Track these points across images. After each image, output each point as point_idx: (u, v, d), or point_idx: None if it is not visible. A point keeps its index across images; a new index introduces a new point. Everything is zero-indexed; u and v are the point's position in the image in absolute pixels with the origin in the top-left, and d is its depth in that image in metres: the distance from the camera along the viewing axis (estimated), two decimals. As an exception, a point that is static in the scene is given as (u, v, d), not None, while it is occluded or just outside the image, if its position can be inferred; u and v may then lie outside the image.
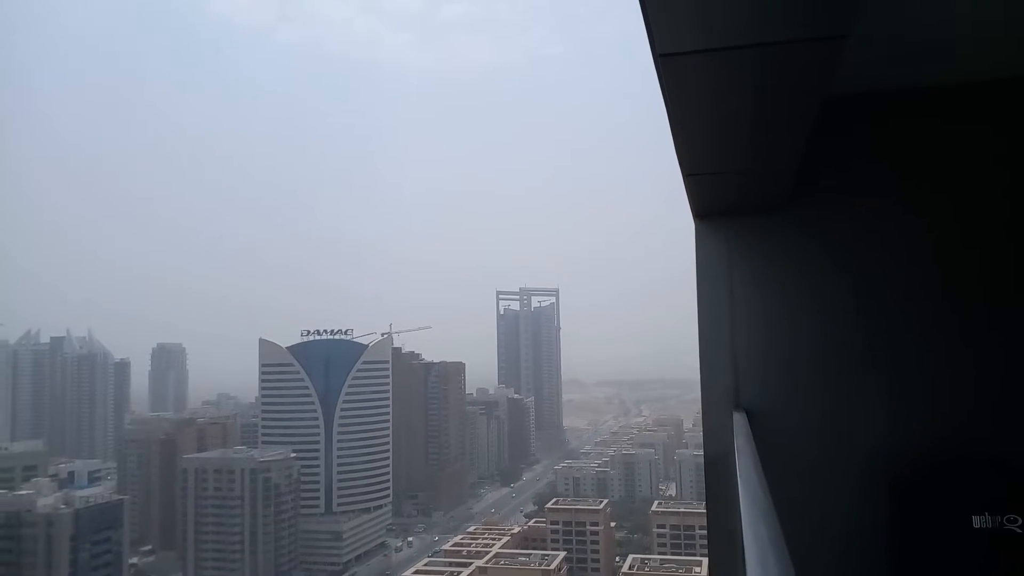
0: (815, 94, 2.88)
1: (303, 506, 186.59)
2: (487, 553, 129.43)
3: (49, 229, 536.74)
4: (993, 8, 3.41)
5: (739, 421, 4.08)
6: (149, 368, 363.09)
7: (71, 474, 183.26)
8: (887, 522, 4.00)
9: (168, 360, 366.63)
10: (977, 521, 3.63)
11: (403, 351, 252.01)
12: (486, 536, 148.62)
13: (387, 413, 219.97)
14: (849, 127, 4.26)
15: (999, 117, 4.11)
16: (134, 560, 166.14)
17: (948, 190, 4.23)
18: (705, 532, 4.75)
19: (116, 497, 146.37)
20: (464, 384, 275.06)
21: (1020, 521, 3.62)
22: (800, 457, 4.27)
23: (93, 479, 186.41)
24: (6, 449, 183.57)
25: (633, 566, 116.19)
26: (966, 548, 3.65)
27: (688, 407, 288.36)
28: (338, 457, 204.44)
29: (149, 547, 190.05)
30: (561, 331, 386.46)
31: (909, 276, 4.26)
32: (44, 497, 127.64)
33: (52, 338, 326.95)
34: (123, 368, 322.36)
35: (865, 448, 4.17)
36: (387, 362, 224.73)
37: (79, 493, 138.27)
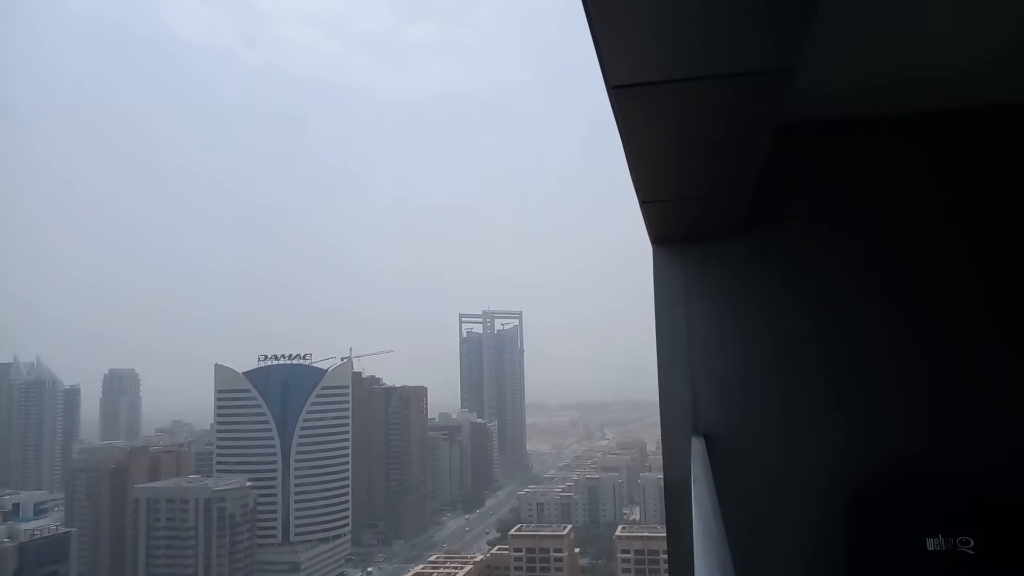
0: (767, 123, 2.94)
1: (259, 536, 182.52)
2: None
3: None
4: (937, 43, 3.56)
5: (697, 446, 4.20)
6: (100, 395, 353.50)
7: (16, 506, 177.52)
8: (845, 545, 4.09)
9: (120, 386, 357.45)
10: (931, 543, 3.70)
11: (363, 375, 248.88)
12: (448, 565, 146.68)
13: (346, 439, 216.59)
14: (801, 155, 4.42)
15: (945, 145, 4.31)
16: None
17: (898, 216, 4.41)
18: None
19: (63, 529, 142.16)
20: (426, 408, 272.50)
21: (972, 543, 3.67)
22: (759, 481, 4.38)
23: (39, 511, 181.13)
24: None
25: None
26: (921, 570, 3.73)
27: (651, 430, 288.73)
28: (296, 485, 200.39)
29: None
30: (524, 354, 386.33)
31: (864, 300, 4.41)
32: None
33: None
34: (73, 395, 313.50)
35: (822, 471, 4.29)
36: (347, 387, 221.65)
37: (24, 526, 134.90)
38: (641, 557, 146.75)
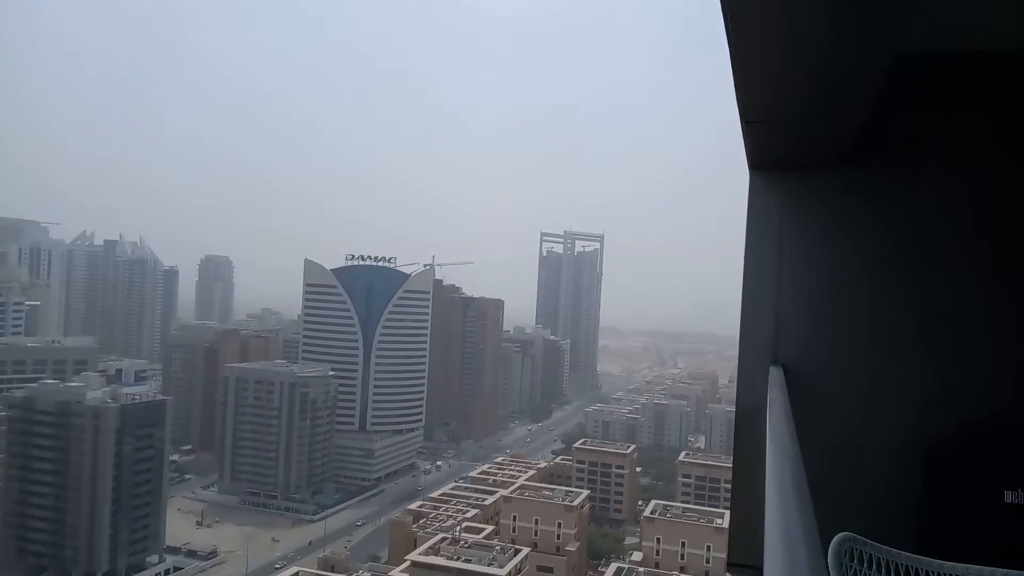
0: (888, 49, 2.78)
1: (339, 422, 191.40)
2: (512, 484, 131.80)
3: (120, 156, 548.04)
4: None
5: (775, 375, 4.07)
6: (196, 279, 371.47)
7: (119, 371, 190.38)
8: (920, 490, 4.00)
9: (215, 271, 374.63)
10: (1009, 496, 3.60)
11: (444, 283, 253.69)
12: (513, 468, 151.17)
13: (425, 341, 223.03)
14: (919, 86, 4.12)
15: None
16: (175, 457, 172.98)
17: (1011, 160, 4.08)
18: (730, 486, 4.80)
19: (160, 397, 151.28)
20: (502, 321, 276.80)
21: None
22: (836, 418, 4.27)
23: (139, 378, 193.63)
24: (59, 343, 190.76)
25: (655, 511, 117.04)
26: (996, 521, 3.63)
27: (726, 363, 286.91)
28: (375, 379, 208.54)
29: (189, 447, 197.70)
30: (603, 277, 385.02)
31: (966, 245, 4.17)
32: (93, 391, 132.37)
33: (106, 241, 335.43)
34: (171, 276, 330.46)
35: (903, 414, 4.17)
36: (428, 293, 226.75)
37: (126, 390, 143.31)
38: (702, 483, 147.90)
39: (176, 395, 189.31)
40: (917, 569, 2.34)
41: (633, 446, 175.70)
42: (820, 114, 3.68)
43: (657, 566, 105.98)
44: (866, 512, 4.08)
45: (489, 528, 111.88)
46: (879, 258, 4.31)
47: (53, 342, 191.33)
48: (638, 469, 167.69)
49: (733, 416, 4.76)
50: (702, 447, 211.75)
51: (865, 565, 2.25)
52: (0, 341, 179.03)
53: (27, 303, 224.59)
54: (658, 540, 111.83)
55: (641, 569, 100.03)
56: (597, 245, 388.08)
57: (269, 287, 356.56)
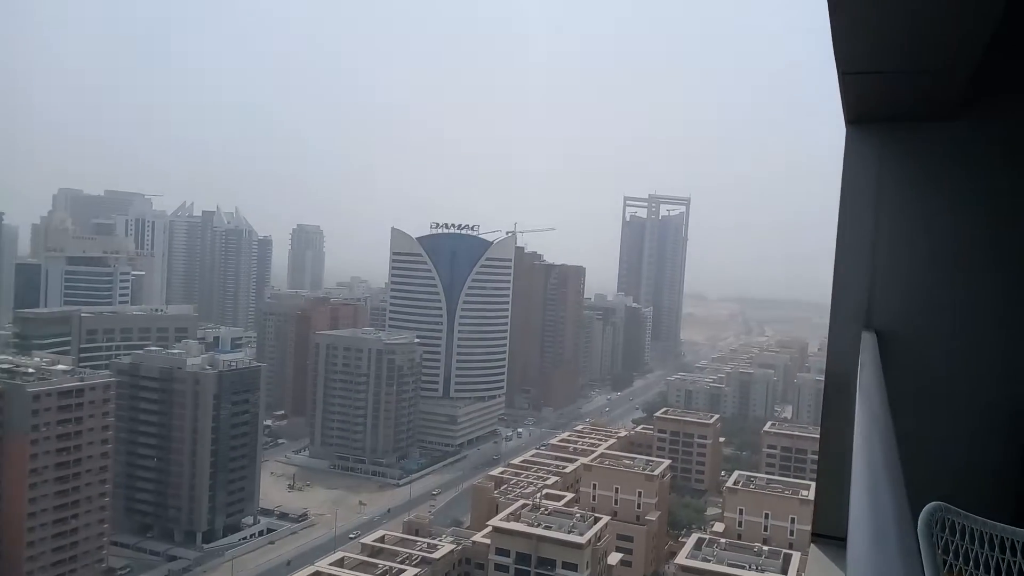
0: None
1: (423, 389, 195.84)
2: (593, 452, 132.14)
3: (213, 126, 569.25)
4: None
5: (867, 340, 3.96)
6: (289, 247, 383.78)
7: (216, 339, 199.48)
8: (1016, 458, 3.92)
9: (307, 241, 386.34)
10: None
11: (526, 251, 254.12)
12: (593, 436, 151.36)
13: (506, 309, 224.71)
14: None
15: None
16: (268, 423, 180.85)
17: None
18: (816, 458, 4.67)
19: (255, 363, 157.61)
20: (583, 288, 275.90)
21: None
22: (931, 385, 4.16)
23: (235, 345, 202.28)
24: (162, 311, 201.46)
25: (738, 482, 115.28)
26: None
27: (815, 331, 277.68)
28: (458, 346, 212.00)
29: (282, 412, 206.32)
30: (688, 242, 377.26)
31: None
32: (193, 357, 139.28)
33: (204, 212, 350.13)
34: (265, 245, 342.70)
35: (1001, 383, 4.05)
36: (510, 260, 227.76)
37: (223, 357, 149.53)
38: (788, 454, 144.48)
39: (270, 361, 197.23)
40: (1012, 539, 2.27)
41: (716, 416, 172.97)
42: (922, 64, 3.43)
43: (739, 537, 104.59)
44: (961, 481, 3.97)
45: (569, 496, 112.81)
46: (982, 217, 4.07)
47: (156, 310, 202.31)
48: (721, 439, 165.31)
49: (822, 385, 4.64)
50: (789, 417, 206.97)
51: (957, 535, 2.18)
52: (109, 310, 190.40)
53: (133, 273, 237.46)
54: (740, 511, 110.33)
55: (723, 540, 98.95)
56: (683, 209, 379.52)
57: (358, 255, 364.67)
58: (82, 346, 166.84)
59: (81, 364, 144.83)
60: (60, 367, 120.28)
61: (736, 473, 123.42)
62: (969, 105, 3.85)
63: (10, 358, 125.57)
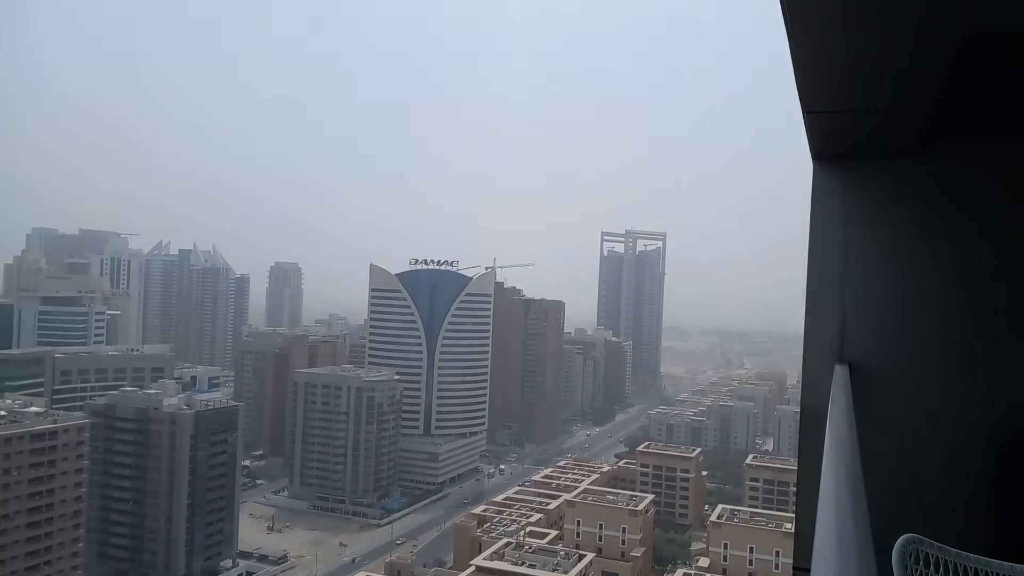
0: (956, 32, 2.63)
1: (404, 426, 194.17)
2: (576, 487, 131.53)
3: (183, 157, 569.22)
4: None
5: (839, 373, 3.95)
6: (267, 285, 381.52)
7: (193, 378, 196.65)
8: (989, 491, 3.90)
9: (284, 278, 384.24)
10: None
11: (505, 286, 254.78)
12: (576, 471, 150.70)
13: (487, 345, 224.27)
14: (990, 69, 3.92)
15: None
16: (246, 463, 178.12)
17: None
18: None
19: (232, 403, 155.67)
20: (563, 322, 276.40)
21: None
22: (904, 417, 4.14)
23: (213, 384, 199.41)
24: (138, 351, 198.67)
25: (722, 515, 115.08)
26: None
27: (794, 363, 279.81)
28: (439, 382, 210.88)
29: (260, 452, 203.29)
30: (665, 277, 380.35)
31: None
32: (169, 397, 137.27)
33: (180, 250, 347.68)
34: (243, 283, 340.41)
35: (975, 414, 4.04)
36: (489, 295, 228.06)
37: (200, 396, 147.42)
38: (770, 487, 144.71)
39: (247, 400, 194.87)
40: (987, 572, 2.26)
41: (698, 449, 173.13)
42: (886, 102, 3.47)
43: (724, 572, 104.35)
44: (934, 514, 3.99)
45: (553, 533, 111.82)
46: (950, 250, 4.13)
47: (132, 350, 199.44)
48: (704, 473, 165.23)
49: None
50: (770, 449, 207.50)
51: (932, 568, 2.18)
52: (84, 350, 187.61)
53: (108, 312, 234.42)
54: (725, 545, 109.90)
55: (708, 575, 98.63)
56: (659, 244, 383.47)
57: (336, 292, 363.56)
58: (56, 387, 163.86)
59: (55, 406, 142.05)
60: (33, 409, 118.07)
61: (720, 507, 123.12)
62: (931, 142, 3.94)
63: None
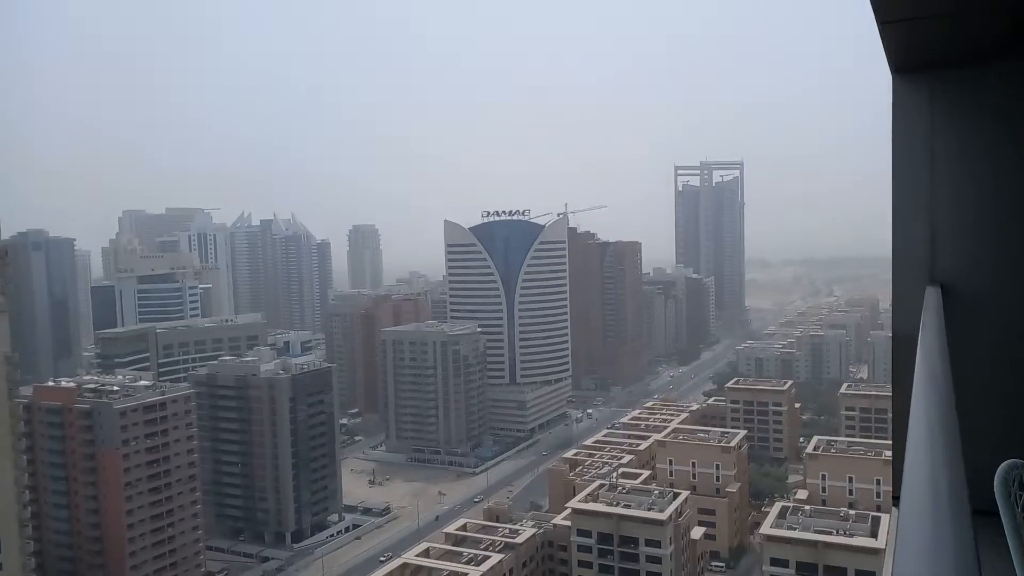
0: None
1: (490, 377, 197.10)
2: (665, 427, 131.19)
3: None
4: None
5: (931, 295, 3.84)
6: (347, 248, 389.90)
7: (286, 343, 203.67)
8: None
9: (363, 240, 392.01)
10: None
11: (579, 231, 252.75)
12: (664, 412, 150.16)
13: (564, 291, 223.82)
14: None
15: None
16: (344, 421, 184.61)
17: None
18: None
19: (325, 365, 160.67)
20: (640, 263, 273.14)
21: None
22: (996, 338, 4.02)
23: (305, 348, 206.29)
24: (232, 321, 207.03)
25: (818, 447, 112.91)
26: None
27: (885, 287, 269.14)
28: (520, 332, 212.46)
29: (356, 410, 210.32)
30: (745, 207, 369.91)
31: None
32: (266, 363, 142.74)
33: (262, 221, 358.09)
34: (324, 248, 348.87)
35: None
36: (563, 242, 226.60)
37: (294, 360, 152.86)
38: (867, 415, 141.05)
39: (339, 361, 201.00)
40: None
41: (790, 381, 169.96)
42: (966, 3, 3.34)
43: (824, 503, 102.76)
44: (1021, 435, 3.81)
45: (646, 473, 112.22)
46: None
47: (226, 320, 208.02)
48: (797, 405, 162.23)
49: None
50: (865, 377, 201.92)
51: None
52: (181, 324, 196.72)
53: (200, 286, 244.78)
54: (823, 477, 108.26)
55: (807, 507, 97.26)
56: (736, 173, 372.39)
57: (414, 250, 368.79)
58: (160, 361, 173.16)
59: (161, 378, 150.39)
60: (142, 383, 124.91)
61: (815, 438, 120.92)
62: (1018, 43, 3.63)
63: (95, 377, 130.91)
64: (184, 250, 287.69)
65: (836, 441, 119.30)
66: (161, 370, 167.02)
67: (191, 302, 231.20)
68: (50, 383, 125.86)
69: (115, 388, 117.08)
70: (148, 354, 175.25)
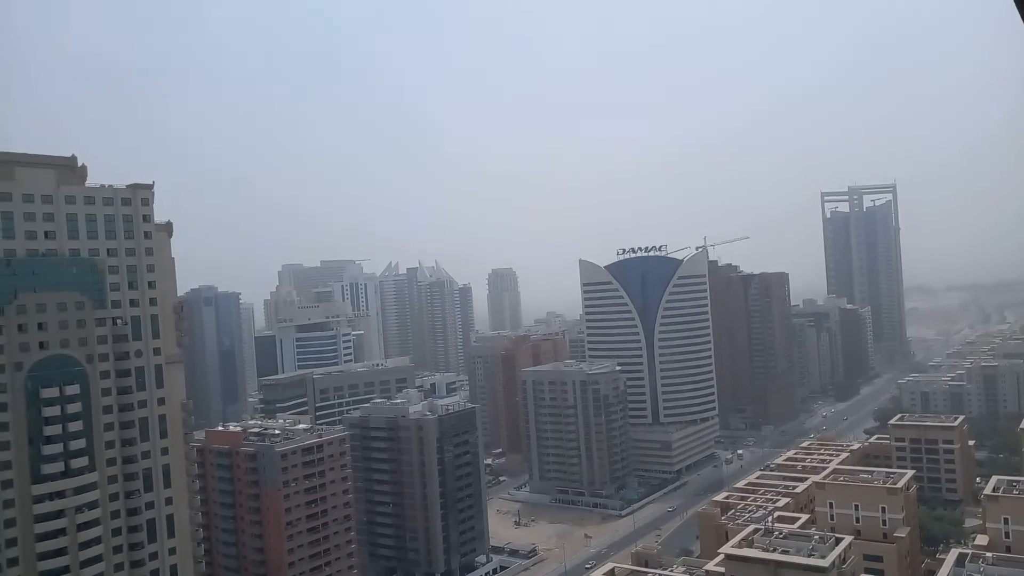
0: None
1: (632, 416, 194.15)
2: (824, 468, 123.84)
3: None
4: None
5: None
6: (487, 292, 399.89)
7: (432, 385, 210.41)
8: None
9: (502, 284, 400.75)
10: None
11: (720, 263, 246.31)
12: (822, 451, 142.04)
13: (707, 327, 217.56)
14: None
15: None
16: (488, 461, 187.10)
17: None
18: None
19: (469, 405, 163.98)
20: (788, 295, 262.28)
21: None
22: None
23: (450, 389, 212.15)
24: (382, 365, 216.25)
25: (998, 488, 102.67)
26: None
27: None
28: (661, 370, 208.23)
29: (499, 450, 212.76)
30: (901, 232, 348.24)
31: None
32: (414, 405, 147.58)
33: (408, 269, 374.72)
34: (466, 292, 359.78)
35: None
36: (704, 275, 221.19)
37: (440, 402, 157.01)
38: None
39: (482, 401, 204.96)
40: None
41: (961, 417, 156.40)
42: None
43: (1008, 550, 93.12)
44: None
45: (804, 517, 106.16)
46: None
47: (377, 365, 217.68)
48: (971, 442, 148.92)
49: None
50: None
51: None
52: (336, 369, 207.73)
53: (353, 333, 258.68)
54: (1005, 520, 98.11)
55: (989, 554, 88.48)
56: (889, 196, 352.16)
57: (551, 290, 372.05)
58: (317, 404, 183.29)
59: (318, 421, 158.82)
60: (301, 426, 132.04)
61: (994, 478, 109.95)
62: None
63: (259, 422, 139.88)
64: (338, 299, 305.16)
65: (1018, 481, 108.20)
66: (318, 413, 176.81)
67: (344, 348, 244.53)
68: (219, 428, 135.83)
69: (276, 432, 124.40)
70: (306, 398, 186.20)
